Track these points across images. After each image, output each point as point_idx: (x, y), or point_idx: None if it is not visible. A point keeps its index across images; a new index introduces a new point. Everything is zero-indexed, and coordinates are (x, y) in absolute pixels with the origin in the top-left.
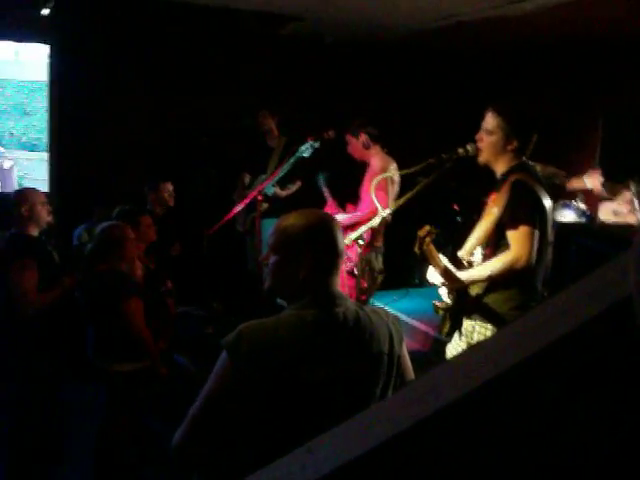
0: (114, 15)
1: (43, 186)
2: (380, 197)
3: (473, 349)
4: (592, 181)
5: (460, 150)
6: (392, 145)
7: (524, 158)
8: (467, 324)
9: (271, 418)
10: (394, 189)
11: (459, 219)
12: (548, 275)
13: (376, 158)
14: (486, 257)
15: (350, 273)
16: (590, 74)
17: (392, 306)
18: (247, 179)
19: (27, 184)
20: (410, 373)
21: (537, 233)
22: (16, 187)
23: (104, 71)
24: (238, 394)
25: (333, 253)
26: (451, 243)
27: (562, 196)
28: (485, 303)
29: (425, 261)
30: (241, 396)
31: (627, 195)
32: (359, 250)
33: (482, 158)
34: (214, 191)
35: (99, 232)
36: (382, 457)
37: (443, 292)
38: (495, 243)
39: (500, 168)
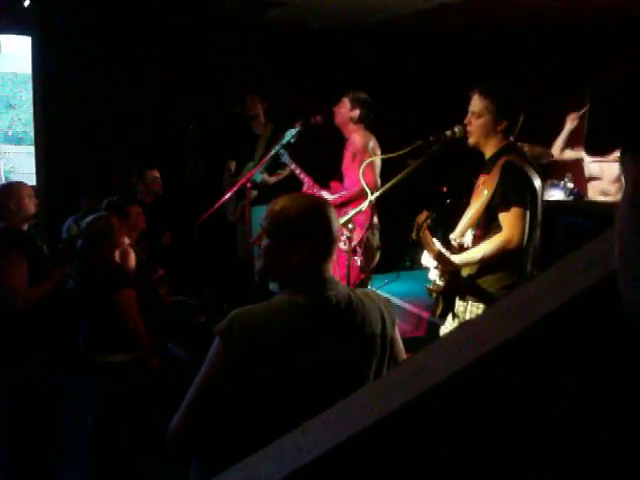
0: (96, 5)
1: (30, 179)
2: (367, 177)
3: (460, 328)
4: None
5: (448, 132)
6: (380, 128)
7: (512, 138)
8: (459, 305)
9: (265, 403)
10: (378, 164)
11: (448, 201)
12: (537, 254)
13: (357, 134)
14: (477, 238)
15: (352, 251)
16: (577, 53)
17: (384, 289)
18: (233, 166)
19: (14, 178)
20: (403, 355)
21: (528, 214)
22: (3, 181)
23: (88, 61)
24: (232, 380)
25: (328, 239)
26: (441, 225)
27: (550, 176)
28: (477, 284)
29: (420, 246)
30: (235, 382)
31: (615, 173)
32: (356, 231)
33: (472, 140)
34: (202, 179)
35: (85, 227)
36: (375, 437)
37: (434, 275)
38: (486, 224)
39: (489, 150)
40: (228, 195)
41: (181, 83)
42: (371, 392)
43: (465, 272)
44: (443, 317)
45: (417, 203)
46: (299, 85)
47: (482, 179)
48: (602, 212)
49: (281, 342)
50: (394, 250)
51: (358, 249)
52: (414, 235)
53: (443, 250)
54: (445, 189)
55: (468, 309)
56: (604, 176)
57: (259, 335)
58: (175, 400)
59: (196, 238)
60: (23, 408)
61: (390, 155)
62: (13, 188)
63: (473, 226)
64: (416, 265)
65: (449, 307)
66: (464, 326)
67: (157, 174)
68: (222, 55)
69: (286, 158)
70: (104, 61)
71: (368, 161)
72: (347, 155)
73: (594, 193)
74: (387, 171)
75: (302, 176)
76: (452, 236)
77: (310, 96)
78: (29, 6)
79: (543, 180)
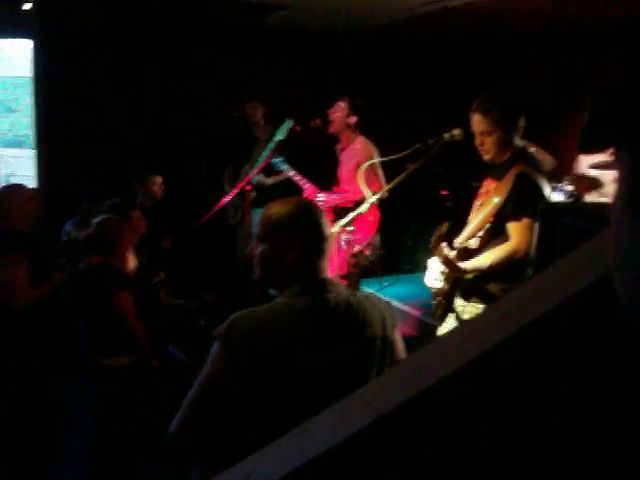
0: (96, 8)
1: (30, 183)
2: (374, 181)
3: (459, 328)
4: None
5: (446, 135)
6: (380, 132)
7: (518, 140)
8: (459, 305)
9: (265, 405)
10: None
11: (448, 205)
12: (534, 256)
13: (360, 144)
14: (482, 240)
15: (357, 255)
16: (579, 56)
17: (383, 292)
18: (233, 170)
19: (15, 181)
20: (403, 357)
21: (537, 225)
22: (3, 184)
23: (88, 65)
24: (231, 382)
25: (319, 237)
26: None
27: (549, 179)
28: (478, 286)
29: (434, 253)
30: (234, 384)
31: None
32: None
33: (488, 157)
34: (203, 183)
35: (97, 223)
36: (374, 435)
37: (430, 279)
38: (492, 231)
39: (503, 157)
40: (228, 198)
41: (181, 87)
42: (371, 391)
43: (469, 275)
44: (442, 319)
45: (416, 207)
46: (299, 89)
47: (492, 184)
48: (600, 213)
49: (281, 345)
50: (393, 254)
51: (365, 251)
52: (433, 244)
53: (452, 256)
54: (444, 192)
55: (467, 310)
56: (605, 182)
57: (259, 338)
58: (175, 403)
59: (196, 241)
60: (22, 410)
61: (389, 158)
62: (14, 190)
63: (480, 231)
64: (415, 268)
65: (449, 309)
66: (463, 325)
67: (160, 180)
68: (222, 59)
69: (285, 167)
70: (104, 64)
71: (366, 164)
72: (350, 165)
73: (593, 196)
74: (385, 174)
75: (302, 182)
76: (458, 240)
77: (310, 100)
78: (30, 9)
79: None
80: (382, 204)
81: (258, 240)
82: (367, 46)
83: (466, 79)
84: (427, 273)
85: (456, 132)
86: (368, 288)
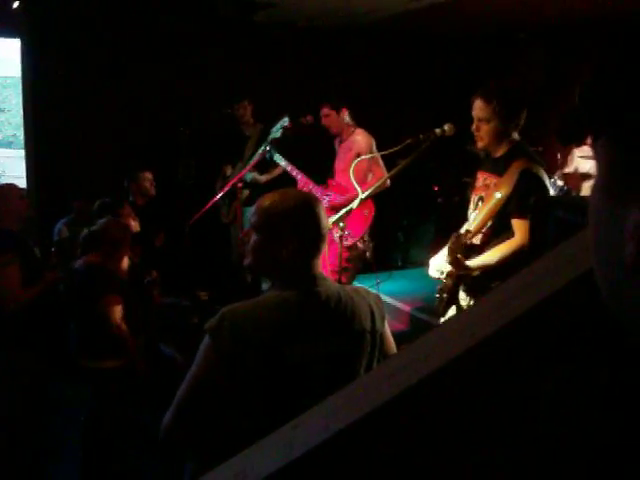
0: (85, 6)
1: (21, 183)
2: (376, 172)
3: (451, 321)
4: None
5: (437, 130)
6: (370, 128)
7: (517, 135)
8: (462, 299)
9: (255, 398)
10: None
11: (440, 200)
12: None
13: (359, 135)
14: (484, 237)
15: (348, 249)
16: (573, 50)
17: (375, 289)
18: (229, 171)
19: (4, 182)
20: (393, 350)
21: None
22: None
23: (77, 64)
24: (222, 375)
25: (317, 236)
26: (434, 224)
27: None
28: (482, 282)
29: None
30: (225, 377)
31: None
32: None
33: (482, 145)
34: (194, 181)
35: (103, 223)
36: (365, 430)
37: (437, 273)
38: (495, 227)
39: (499, 150)
40: (219, 196)
41: (171, 84)
42: (360, 385)
43: (475, 273)
44: (444, 314)
45: (408, 202)
46: (288, 85)
47: (491, 179)
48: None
49: (270, 337)
50: (386, 250)
51: (359, 245)
52: (451, 258)
53: (459, 256)
54: (436, 188)
55: (468, 302)
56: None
57: (248, 330)
58: (168, 401)
59: (188, 239)
60: (19, 410)
61: (380, 154)
62: (4, 190)
63: (484, 227)
64: (407, 264)
65: (451, 303)
66: (456, 318)
67: (150, 176)
68: (212, 56)
69: (278, 157)
70: (94, 63)
71: (359, 159)
72: (349, 155)
73: (585, 189)
74: None
75: (295, 173)
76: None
77: (300, 96)
78: (18, 7)
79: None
80: (377, 198)
81: (253, 228)
82: (356, 43)
83: (458, 76)
84: (431, 267)
85: (447, 127)
86: (361, 284)
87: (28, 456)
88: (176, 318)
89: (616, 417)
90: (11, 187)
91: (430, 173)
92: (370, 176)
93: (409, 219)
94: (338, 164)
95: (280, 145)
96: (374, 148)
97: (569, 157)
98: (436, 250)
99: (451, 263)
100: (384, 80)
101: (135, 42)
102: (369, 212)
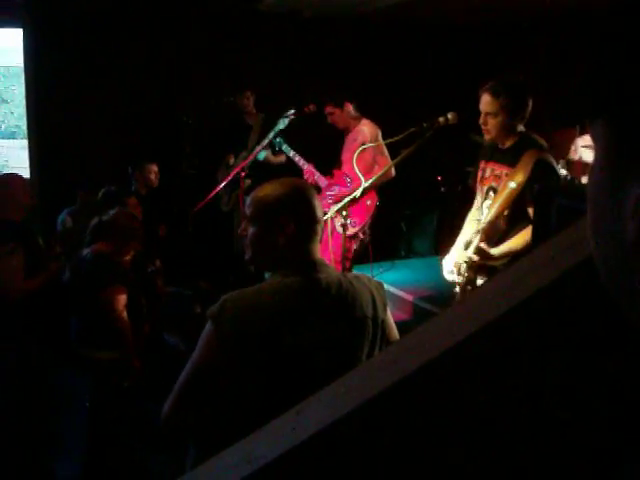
0: None
1: (24, 174)
2: (381, 161)
3: (453, 308)
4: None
5: (441, 119)
6: (373, 117)
7: (522, 127)
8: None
9: (257, 384)
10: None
11: (443, 190)
12: None
13: (365, 125)
14: (502, 225)
15: (350, 237)
16: (575, 41)
17: (378, 278)
18: (232, 161)
19: (8, 172)
20: (395, 337)
21: None
22: None
23: (80, 53)
24: (224, 361)
25: (311, 219)
26: (437, 214)
27: None
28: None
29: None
30: (227, 363)
31: None
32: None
33: (489, 137)
34: (196, 170)
35: (115, 213)
36: (365, 417)
37: (450, 267)
38: (511, 216)
39: (507, 142)
40: (222, 185)
41: (175, 74)
42: (361, 373)
43: (499, 262)
44: None
45: (411, 192)
46: (292, 74)
47: (501, 169)
48: None
49: (272, 323)
50: (389, 239)
51: (360, 235)
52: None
53: (483, 245)
54: (439, 177)
55: None
56: None
57: (250, 317)
58: (171, 390)
59: (191, 229)
60: (17, 399)
61: (384, 142)
62: (7, 180)
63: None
64: (410, 254)
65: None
66: (457, 306)
67: (155, 168)
68: (216, 46)
69: (286, 148)
70: (97, 53)
71: (361, 148)
72: (354, 146)
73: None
74: None
75: (301, 163)
76: (481, 227)
77: (303, 85)
78: None
79: None
80: (380, 188)
81: (249, 221)
82: (361, 32)
83: (461, 65)
84: (445, 269)
85: (450, 116)
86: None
87: (30, 443)
88: (179, 307)
89: (620, 399)
90: (14, 177)
91: (433, 163)
92: (376, 167)
93: (412, 209)
94: (344, 154)
95: (287, 136)
96: (380, 138)
97: (572, 147)
98: (443, 248)
99: (476, 253)
100: (389, 69)
101: (138, 31)
102: (371, 202)
